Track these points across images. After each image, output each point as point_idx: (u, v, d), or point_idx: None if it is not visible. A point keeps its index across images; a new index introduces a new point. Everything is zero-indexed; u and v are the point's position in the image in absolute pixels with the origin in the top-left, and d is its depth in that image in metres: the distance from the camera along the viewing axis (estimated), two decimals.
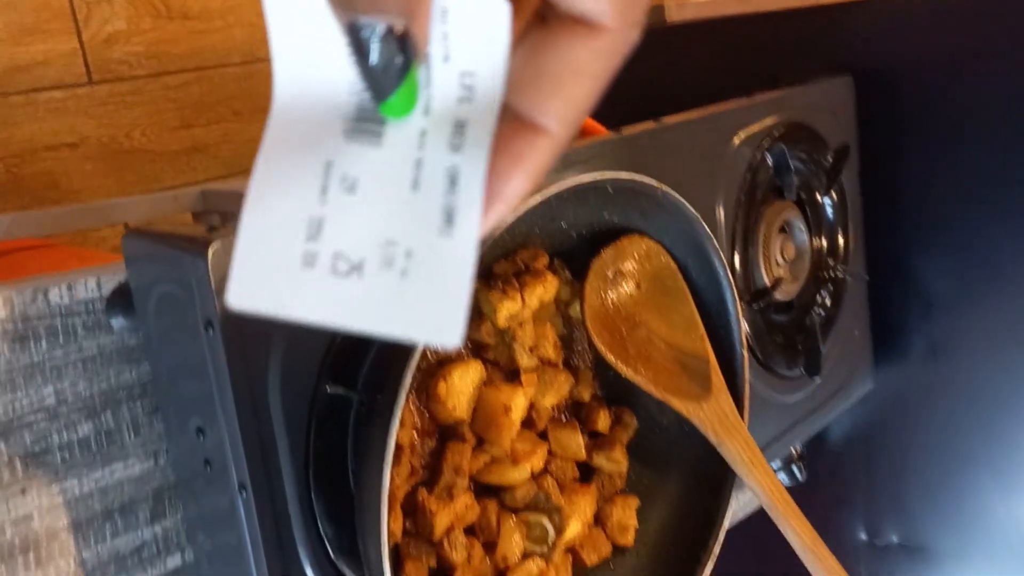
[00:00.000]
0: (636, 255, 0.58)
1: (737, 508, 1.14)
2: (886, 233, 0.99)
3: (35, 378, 0.50)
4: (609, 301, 0.58)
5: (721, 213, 0.82)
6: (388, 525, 0.47)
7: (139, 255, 0.49)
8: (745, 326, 0.62)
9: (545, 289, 0.53)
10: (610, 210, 0.56)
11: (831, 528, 1.29)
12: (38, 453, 0.51)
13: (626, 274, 0.58)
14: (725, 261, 0.59)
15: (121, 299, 0.52)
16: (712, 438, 0.59)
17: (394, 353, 0.43)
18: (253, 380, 0.47)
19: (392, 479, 0.47)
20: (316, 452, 0.49)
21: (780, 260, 0.87)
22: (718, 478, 0.62)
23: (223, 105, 1.43)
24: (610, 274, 0.58)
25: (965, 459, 1.08)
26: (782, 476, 1.01)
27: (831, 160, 0.91)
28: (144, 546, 0.55)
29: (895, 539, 1.13)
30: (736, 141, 0.82)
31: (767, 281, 0.84)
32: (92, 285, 0.52)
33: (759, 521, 1.12)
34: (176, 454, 0.54)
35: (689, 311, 0.60)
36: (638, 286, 0.59)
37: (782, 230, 0.89)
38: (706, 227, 0.57)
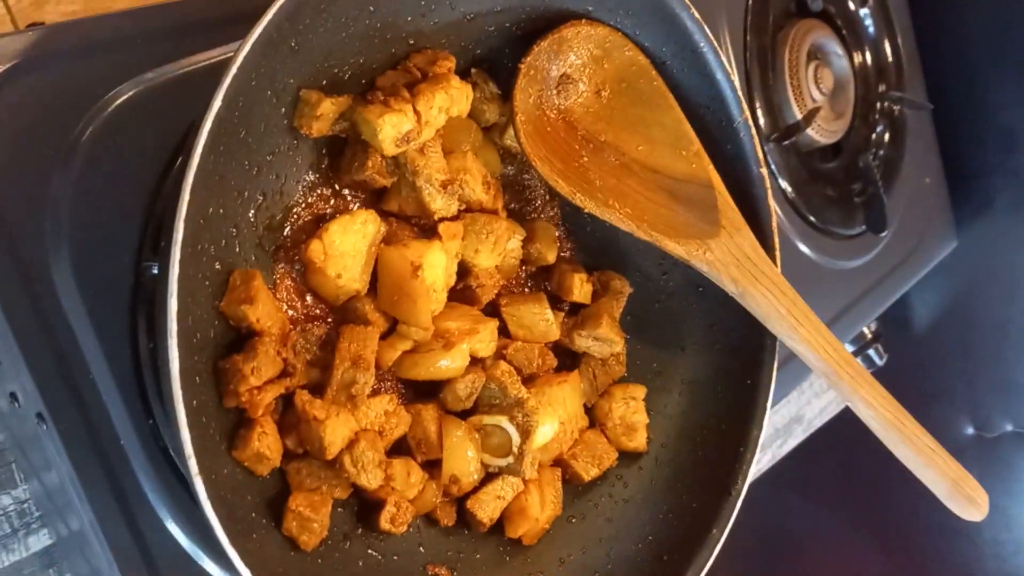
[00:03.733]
0: (588, 49, 0.42)
1: (813, 414, 0.96)
2: (946, 47, 0.80)
3: None
4: (555, 114, 0.42)
5: (727, 38, 0.65)
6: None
7: None
8: (760, 146, 0.46)
9: (450, 97, 0.37)
10: None
11: (929, 426, 1.11)
12: None
13: (576, 77, 0.42)
14: (715, 44, 0.43)
15: None
16: (730, 287, 0.43)
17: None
18: (25, 262, 0.32)
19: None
20: (151, 355, 0.35)
21: (816, 93, 0.70)
22: (752, 346, 0.46)
23: None
24: (553, 76, 0.42)
25: None
26: None
27: None
28: None
29: (1009, 427, 0.95)
30: None
31: (798, 114, 0.67)
32: None
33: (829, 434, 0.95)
34: None
35: (674, 120, 0.44)
36: (597, 93, 0.43)
37: (813, 57, 0.71)
38: None
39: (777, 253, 0.46)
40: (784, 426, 0.90)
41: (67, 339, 0.33)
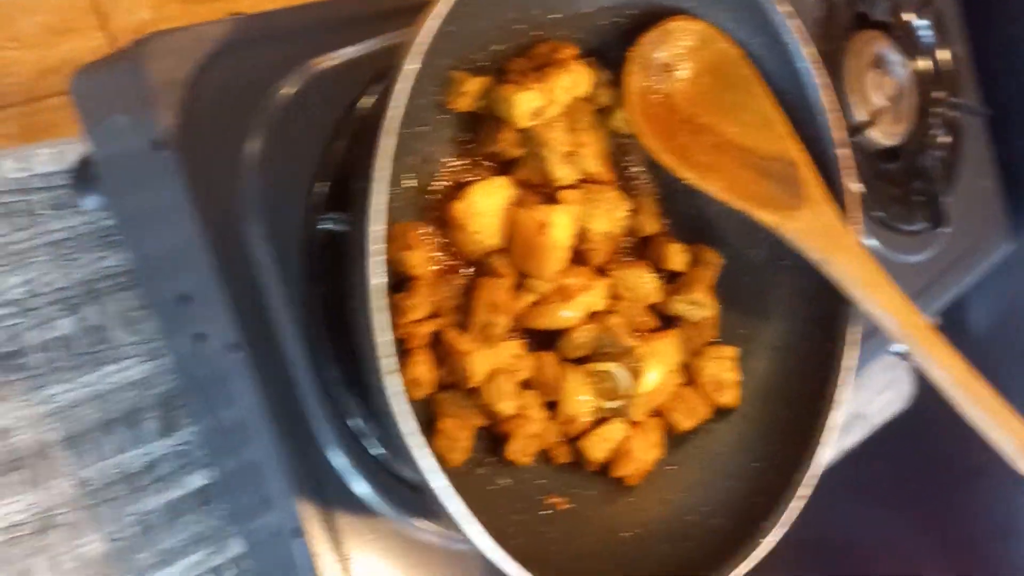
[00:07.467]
0: (688, 42, 0.48)
1: (873, 411, 0.99)
2: (1000, 55, 0.84)
3: None
4: (658, 98, 0.47)
5: None
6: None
7: (88, 94, 0.42)
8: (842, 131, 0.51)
9: (574, 80, 0.43)
10: None
11: None
12: (11, 354, 0.44)
13: (677, 66, 0.48)
14: (799, 36, 0.48)
15: (86, 172, 0.45)
16: (815, 255, 0.47)
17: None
18: (227, 215, 0.38)
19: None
20: (325, 304, 0.41)
21: (878, 99, 0.74)
22: (831, 315, 0.50)
23: None
24: (657, 63, 0.47)
25: None
26: None
27: None
28: (158, 462, 0.47)
29: None
30: None
31: (863, 117, 0.71)
32: (49, 158, 0.45)
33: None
34: (172, 344, 0.46)
35: (762, 105, 0.49)
36: (695, 81, 0.48)
37: (875, 66, 0.76)
38: None
39: (860, 226, 0.50)
40: (845, 423, 0.94)
41: (257, 280, 0.39)
